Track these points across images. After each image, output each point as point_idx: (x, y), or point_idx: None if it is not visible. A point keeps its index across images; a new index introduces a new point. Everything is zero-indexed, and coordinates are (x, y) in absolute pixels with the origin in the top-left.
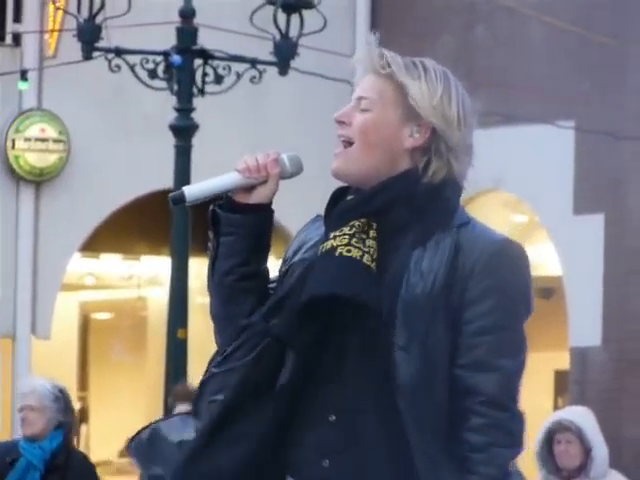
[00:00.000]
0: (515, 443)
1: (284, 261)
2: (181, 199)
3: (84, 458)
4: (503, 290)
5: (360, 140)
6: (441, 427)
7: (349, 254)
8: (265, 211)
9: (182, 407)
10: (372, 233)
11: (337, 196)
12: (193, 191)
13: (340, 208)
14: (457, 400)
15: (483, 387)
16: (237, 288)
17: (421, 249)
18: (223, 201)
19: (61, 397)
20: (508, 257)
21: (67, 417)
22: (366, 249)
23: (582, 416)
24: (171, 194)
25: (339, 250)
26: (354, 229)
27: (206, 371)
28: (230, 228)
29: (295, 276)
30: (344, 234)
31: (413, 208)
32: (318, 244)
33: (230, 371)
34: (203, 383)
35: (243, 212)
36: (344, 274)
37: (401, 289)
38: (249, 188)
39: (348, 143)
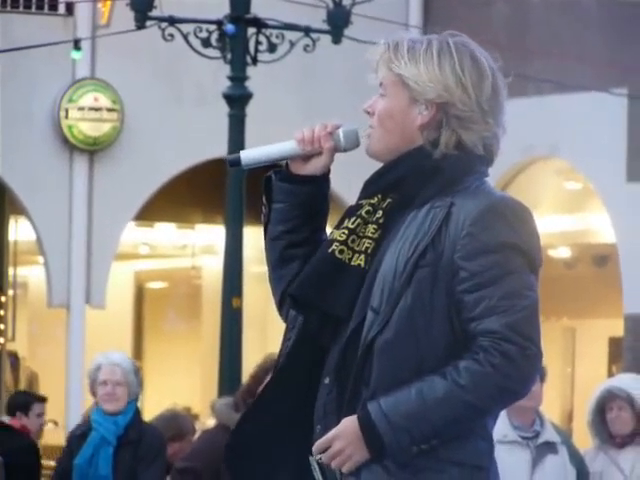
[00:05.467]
0: (517, 377)
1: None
2: (237, 162)
3: (155, 431)
4: (491, 247)
5: (378, 126)
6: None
7: (340, 256)
8: (318, 182)
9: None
10: (379, 214)
11: None
12: (250, 155)
13: (365, 183)
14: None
15: (491, 327)
16: (285, 254)
17: (413, 216)
18: (278, 169)
19: (138, 371)
20: (496, 214)
21: (140, 391)
22: (358, 248)
23: (632, 382)
24: (228, 156)
25: (333, 247)
26: (358, 220)
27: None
28: (282, 196)
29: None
30: (347, 228)
31: (419, 182)
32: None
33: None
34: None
35: (296, 182)
36: (319, 279)
37: (385, 255)
38: (305, 158)
39: (372, 128)
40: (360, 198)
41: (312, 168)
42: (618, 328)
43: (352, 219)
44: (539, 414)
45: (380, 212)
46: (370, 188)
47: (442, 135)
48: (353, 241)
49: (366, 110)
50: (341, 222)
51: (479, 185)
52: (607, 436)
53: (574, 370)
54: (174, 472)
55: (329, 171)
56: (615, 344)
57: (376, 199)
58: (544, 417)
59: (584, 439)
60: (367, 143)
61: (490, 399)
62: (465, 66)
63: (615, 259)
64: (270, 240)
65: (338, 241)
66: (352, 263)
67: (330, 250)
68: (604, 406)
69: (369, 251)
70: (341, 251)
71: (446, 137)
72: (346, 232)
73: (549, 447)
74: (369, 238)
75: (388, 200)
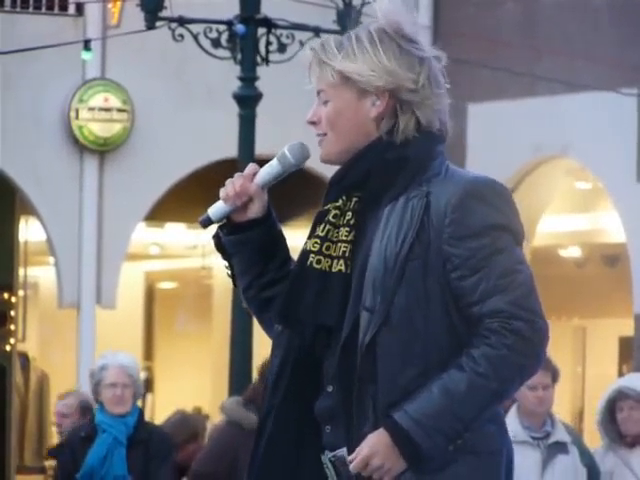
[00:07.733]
0: (531, 353)
1: None
2: (209, 221)
3: (161, 430)
4: (478, 230)
5: (330, 130)
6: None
7: (318, 266)
8: (263, 223)
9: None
10: (348, 215)
11: None
12: (213, 213)
13: (329, 184)
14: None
15: (496, 307)
16: (262, 298)
17: (390, 210)
18: (222, 225)
19: (140, 370)
20: (475, 196)
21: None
22: (335, 254)
23: None
24: (200, 219)
25: (310, 259)
26: (327, 227)
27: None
28: (235, 248)
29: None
30: (317, 236)
31: (386, 175)
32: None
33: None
34: None
35: (241, 231)
36: (304, 294)
37: (371, 254)
38: (242, 207)
39: (324, 135)
40: (325, 202)
41: (251, 213)
42: (628, 327)
43: (321, 226)
44: (550, 414)
45: (349, 214)
46: (334, 190)
47: (400, 121)
48: (328, 248)
49: (310, 121)
50: (313, 230)
51: (447, 169)
52: (617, 436)
53: (584, 369)
54: (191, 476)
55: (269, 209)
56: (625, 343)
57: (341, 201)
58: (555, 417)
59: (594, 439)
60: (321, 152)
61: (511, 380)
62: (400, 47)
63: (625, 259)
64: (244, 293)
65: (313, 252)
66: (333, 270)
67: (308, 263)
68: (614, 406)
69: (347, 254)
70: (318, 261)
71: (405, 121)
72: (318, 241)
73: (560, 447)
74: (344, 242)
75: (354, 200)
